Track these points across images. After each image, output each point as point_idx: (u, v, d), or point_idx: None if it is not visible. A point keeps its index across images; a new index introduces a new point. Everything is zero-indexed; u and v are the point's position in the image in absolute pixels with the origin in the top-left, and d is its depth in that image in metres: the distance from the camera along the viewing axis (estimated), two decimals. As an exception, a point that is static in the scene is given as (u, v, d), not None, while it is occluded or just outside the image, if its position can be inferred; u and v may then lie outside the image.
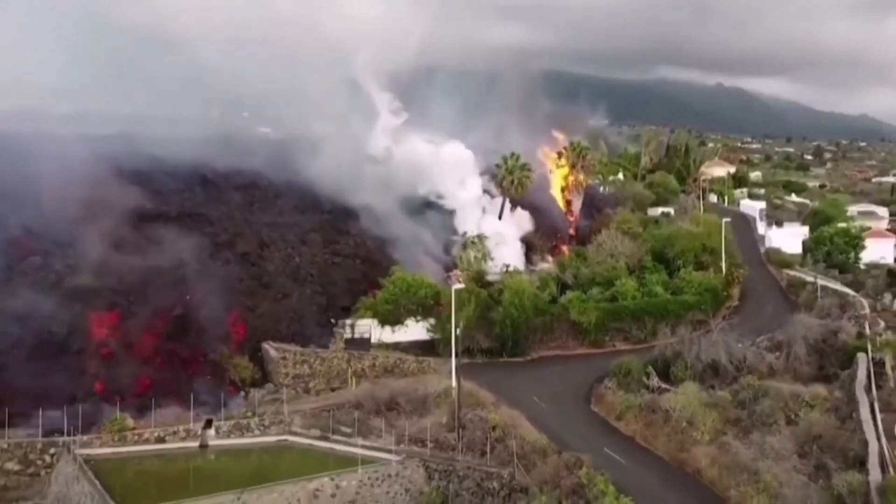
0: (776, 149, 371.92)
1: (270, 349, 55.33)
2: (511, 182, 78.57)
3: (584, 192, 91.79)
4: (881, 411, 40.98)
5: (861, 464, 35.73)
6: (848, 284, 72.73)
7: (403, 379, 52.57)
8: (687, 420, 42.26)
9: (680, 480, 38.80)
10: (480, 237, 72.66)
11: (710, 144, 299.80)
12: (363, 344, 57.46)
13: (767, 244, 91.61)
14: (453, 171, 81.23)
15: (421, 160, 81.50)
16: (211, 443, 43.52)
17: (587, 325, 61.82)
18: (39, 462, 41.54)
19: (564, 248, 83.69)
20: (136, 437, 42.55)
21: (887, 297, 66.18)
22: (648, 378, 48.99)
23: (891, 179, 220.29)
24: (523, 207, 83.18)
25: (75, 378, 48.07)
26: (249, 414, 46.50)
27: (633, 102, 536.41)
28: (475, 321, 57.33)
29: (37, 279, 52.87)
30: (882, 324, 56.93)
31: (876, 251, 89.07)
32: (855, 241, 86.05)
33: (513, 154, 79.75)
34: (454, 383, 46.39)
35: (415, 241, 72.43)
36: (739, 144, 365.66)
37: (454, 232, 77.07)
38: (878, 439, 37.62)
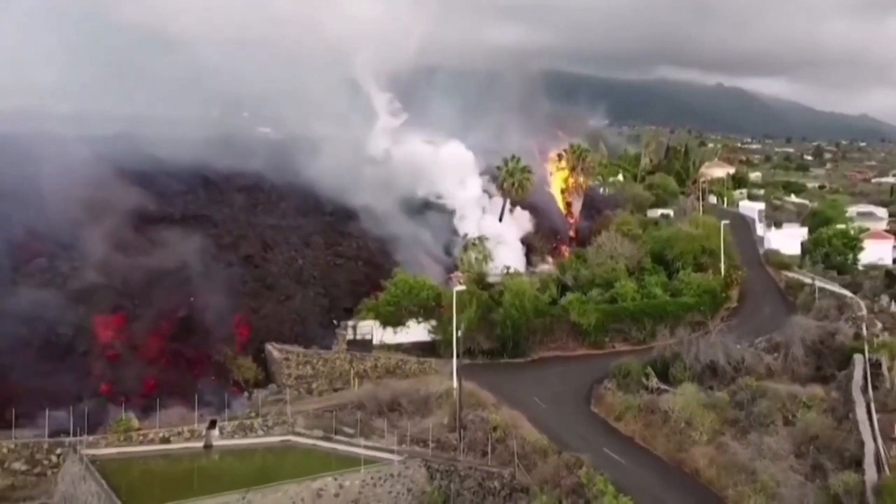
0: (776, 149, 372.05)
1: (274, 350, 55.74)
2: (512, 184, 78.91)
3: (583, 194, 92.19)
4: (877, 412, 41.27)
5: (857, 464, 35.98)
6: (846, 286, 72.93)
7: (405, 380, 52.81)
8: (685, 420, 42.51)
9: (678, 480, 39.02)
10: (481, 239, 72.96)
11: (710, 145, 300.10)
12: (365, 345, 57.74)
13: (766, 245, 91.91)
14: (453, 171, 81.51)
15: (421, 160, 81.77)
16: (215, 443, 43.74)
17: (587, 326, 62.19)
18: (46, 462, 41.80)
19: (564, 250, 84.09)
20: (141, 438, 42.80)
21: (884, 298, 66.48)
22: (647, 379, 49.27)
23: (890, 180, 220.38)
24: (523, 207, 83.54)
25: (81, 379, 48.47)
26: (253, 414, 46.82)
27: (633, 102, 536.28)
28: (476, 322, 57.70)
29: (42, 281, 53.34)
30: (879, 325, 57.16)
31: (874, 252, 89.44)
32: (853, 243, 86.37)
33: (513, 156, 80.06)
34: (455, 384, 46.56)
35: (415, 241, 72.75)
36: (739, 145, 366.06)
37: (454, 232, 77.40)
38: (875, 439, 37.90)
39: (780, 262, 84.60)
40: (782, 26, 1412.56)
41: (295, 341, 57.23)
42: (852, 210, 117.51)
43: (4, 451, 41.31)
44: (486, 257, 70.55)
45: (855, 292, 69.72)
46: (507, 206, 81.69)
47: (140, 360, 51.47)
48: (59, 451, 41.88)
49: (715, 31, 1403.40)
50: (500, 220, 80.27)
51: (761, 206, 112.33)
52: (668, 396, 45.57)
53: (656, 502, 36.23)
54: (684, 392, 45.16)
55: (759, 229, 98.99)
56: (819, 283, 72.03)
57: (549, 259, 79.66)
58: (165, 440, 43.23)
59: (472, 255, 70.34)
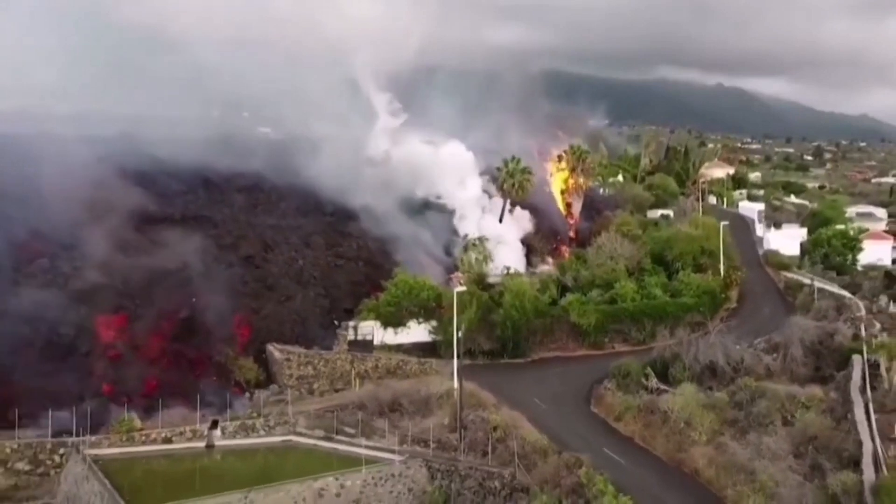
0: (776, 149, 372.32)
1: (275, 351, 55.90)
2: (512, 185, 79.10)
3: (583, 195, 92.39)
4: (875, 412, 41.44)
5: (855, 464, 36.15)
6: (845, 286, 73.14)
7: (406, 380, 52.99)
8: (685, 421, 42.73)
9: (678, 480, 39.23)
10: (481, 239, 73.14)
11: (710, 145, 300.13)
12: (366, 346, 57.91)
13: (766, 246, 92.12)
14: (453, 171, 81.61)
15: (421, 160, 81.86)
16: (217, 443, 43.92)
17: (587, 326, 62.43)
18: (49, 462, 41.96)
19: (564, 251, 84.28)
20: (143, 438, 42.96)
21: (883, 299, 66.73)
22: (647, 379, 49.49)
23: (890, 180, 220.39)
24: (523, 207, 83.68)
25: (83, 379, 48.54)
26: (255, 414, 46.96)
27: (633, 102, 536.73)
28: (476, 323, 57.89)
29: (44, 281, 53.41)
30: (878, 326, 57.39)
31: (873, 253, 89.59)
32: (852, 244, 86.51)
33: (513, 157, 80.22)
34: (456, 385, 46.79)
35: (415, 241, 72.90)
36: (739, 145, 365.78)
37: (454, 232, 77.52)
38: (873, 440, 38.04)
39: (779, 262, 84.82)
40: (782, 26, 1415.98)
41: (296, 342, 57.40)
42: (852, 210, 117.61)
43: (8, 451, 41.47)
44: (487, 258, 70.74)
45: (854, 293, 69.95)
46: (507, 206, 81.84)
47: (142, 361, 51.54)
48: (61, 451, 42.05)
49: (715, 31, 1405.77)
50: (501, 220, 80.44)
51: (761, 206, 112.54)
52: (668, 397, 45.78)
53: (656, 502, 36.41)
54: (684, 392, 45.34)
55: (759, 230, 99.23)
56: (818, 284, 72.26)
57: (549, 260, 79.89)
58: (167, 440, 43.40)
59: (473, 255, 70.55)
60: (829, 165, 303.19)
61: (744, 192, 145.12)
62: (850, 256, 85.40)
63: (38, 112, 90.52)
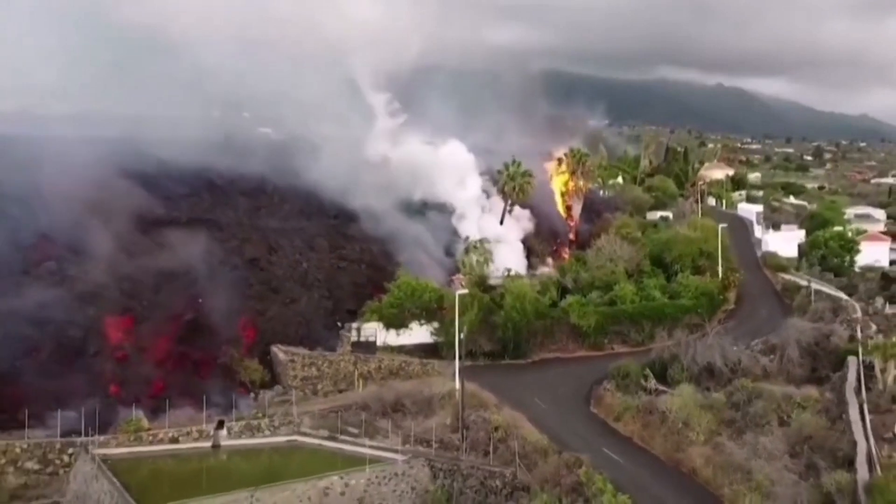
0: (776, 149, 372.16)
1: (279, 352, 56.34)
2: (513, 188, 79.44)
3: (583, 197, 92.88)
4: (870, 412, 42.12)
5: (850, 463, 36.81)
6: (842, 288, 73.72)
7: (409, 381, 53.40)
8: (683, 421, 43.36)
9: (676, 479, 39.78)
10: (482, 241, 73.51)
11: (710, 145, 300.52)
12: (369, 347, 58.33)
13: (764, 248, 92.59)
14: (453, 170, 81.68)
15: (421, 161, 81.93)
16: (223, 443, 44.41)
17: (587, 328, 63.03)
18: (58, 461, 42.41)
19: (564, 253, 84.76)
20: (150, 438, 43.49)
21: (879, 300, 67.30)
22: (646, 380, 50.11)
23: (889, 181, 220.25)
24: (523, 207, 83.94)
25: (91, 380, 48.82)
26: (260, 415, 47.37)
27: (633, 102, 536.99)
28: (478, 325, 58.58)
29: (52, 284, 53.43)
30: (873, 327, 58.02)
31: (871, 254, 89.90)
32: (850, 245, 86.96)
33: (514, 160, 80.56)
34: (458, 385, 47.24)
35: (416, 242, 73.16)
36: (739, 145, 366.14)
37: (455, 233, 77.80)
38: (867, 439, 38.75)
39: (777, 264, 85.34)
40: (782, 26, 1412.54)
41: (300, 343, 57.81)
42: (850, 212, 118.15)
43: (18, 450, 41.94)
44: (488, 260, 71.08)
45: (850, 295, 70.54)
46: (508, 208, 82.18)
47: (149, 362, 51.96)
48: (70, 450, 42.47)
49: (715, 31, 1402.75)
50: (502, 223, 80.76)
51: (759, 208, 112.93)
52: (666, 397, 46.38)
53: (654, 501, 36.93)
54: (682, 393, 45.96)
55: (757, 231, 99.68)
56: (815, 286, 72.78)
57: (550, 262, 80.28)
58: (174, 440, 43.92)
59: (474, 257, 70.88)
60: (828, 166, 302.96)
61: (743, 193, 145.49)
62: (847, 258, 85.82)
63: (39, 112, 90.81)
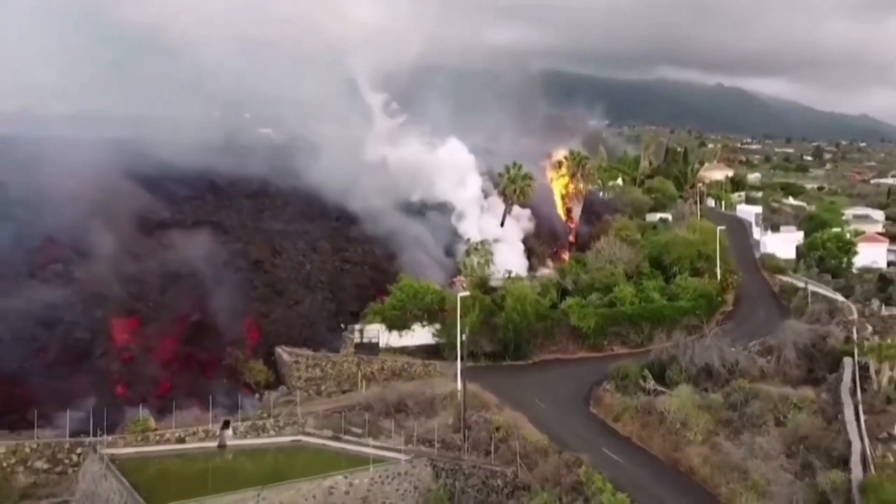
0: (776, 149, 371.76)
1: (284, 353, 56.92)
2: (513, 191, 79.76)
3: (583, 200, 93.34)
4: (865, 413, 42.61)
5: (844, 463, 37.29)
6: (839, 289, 74.05)
7: (411, 382, 53.90)
8: (681, 421, 43.72)
9: (673, 478, 40.17)
10: (483, 243, 73.96)
11: (710, 145, 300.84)
12: (372, 348, 58.73)
13: (762, 249, 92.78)
14: (453, 170, 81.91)
15: (420, 161, 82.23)
16: (229, 443, 44.99)
17: (586, 329, 63.45)
18: (67, 461, 43.08)
19: (564, 255, 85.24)
20: (157, 438, 44.06)
21: (875, 302, 67.82)
22: (645, 381, 50.50)
23: (889, 181, 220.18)
24: (523, 207, 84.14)
25: (98, 381, 49.46)
26: (265, 415, 47.89)
27: (633, 102, 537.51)
28: (479, 326, 59.08)
29: (59, 285, 53.96)
30: (869, 328, 58.42)
31: (869, 256, 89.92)
32: (847, 247, 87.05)
33: (515, 163, 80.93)
34: (459, 386, 47.55)
35: (417, 243, 73.57)
36: (739, 145, 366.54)
37: (455, 233, 78.13)
38: (861, 439, 39.24)
39: (775, 266, 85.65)
40: (782, 26, 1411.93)
41: (304, 345, 58.38)
42: (849, 213, 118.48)
43: (27, 450, 42.64)
44: (489, 261, 71.40)
45: (847, 296, 70.85)
46: (508, 209, 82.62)
47: (155, 363, 52.56)
48: (79, 450, 43.17)
49: (715, 31, 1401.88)
50: (502, 225, 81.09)
51: (758, 209, 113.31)
52: (665, 398, 46.79)
53: (652, 500, 37.32)
54: (680, 394, 46.39)
55: (756, 233, 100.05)
56: (812, 288, 73.14)
57: (550, 263, 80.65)
58: (181, 440, 44.49)
59: (475, 259, 71.23)
60: (828, 166, 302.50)
61: (742, 194, 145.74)
62: (845, 260, 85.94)
63: (39, 112, 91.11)
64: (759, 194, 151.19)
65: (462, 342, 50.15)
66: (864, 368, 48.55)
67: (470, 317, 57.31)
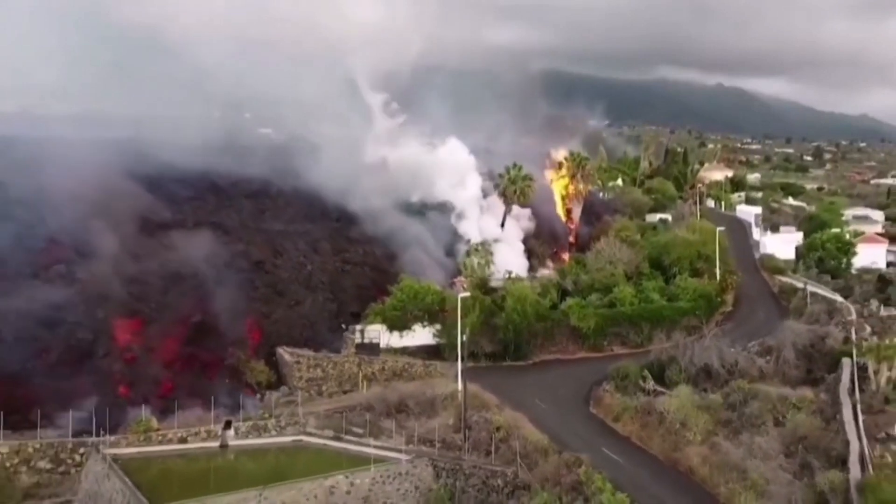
0: (776, 150, 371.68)
1: (285, 354, 57.13)
2: (514, 192, 79.91)
3: (583, 201, 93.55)
4: (863, 413, 42.76)
5: (843, 463, 37.49)
6: (838, 290, 74.21)
7: (412, 382, 54.12)
8: (680, 421, 43.94)
9: (673, 478, 40.37)
10: (484, 244, 74.24)
11: (710, 145, 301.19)
12: (373, 349, 58.94)
13: (762, 250, 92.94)
14: (453, 170, 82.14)
15: (420, 161, 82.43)
16: (231, 443, 45.17)
17: (586, 330, 63.71)
18: (70, 461, 43.21)
19: (564, 256, 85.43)
20: (160, 438, 44.21)
21: (874, 302, 67.99)
22: (644, 381, 50.71)
23: (889, 181, 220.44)
24: (523, 207, 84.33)
25: (101, 381, 49.62)
26: (266, 415, 48.07)
27: (633, 102, 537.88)
28: (479, 327, 59.33)
29: (62, 286, 54.13)
30: (868, 329, 58.57)
31: (868, 256, 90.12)
32: (847, 247, 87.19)
33: (515, 164, 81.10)
34: (460, 386, 47.75)
35: (417, 243, 73.81)
36: (739, 145, 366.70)
37: (455, 233, 78.33)
38: (860, 439, 39.40)
39: (774, 266, 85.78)
40: (782, 26, 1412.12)
41: (305, 345, 58.62)
42: (848, 213, 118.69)
43: (30, 450, 42.79)
44: (489, 262, 71.68)
45: (846, 297, 71.01)
46: (508, 210, 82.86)
47: (157, 363, 52.74)
48: (81, 450, 43.25)
49: (715, 31, 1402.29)
50: (502, 226, 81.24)
51: (758, 210, 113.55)
52: (664, 398, 47.00)
53: (652, 499, 37.51)
54: (679, 394, 46.58)
55: (756, 234, 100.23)
56: (811, 288, 73.30)
57: (550, 264, 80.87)
58: (183, 440, 44.65)
59: (475, 260, 71.50)
60: (828, 166, 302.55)
61: (742, 194, 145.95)
62: (844, 260, 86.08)
63: (39, 113, 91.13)
64: (759, 195, 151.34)
65: (462, 343, 50.41)
66: (862, 369, 48.70)
67: (470, 317, 57.51)
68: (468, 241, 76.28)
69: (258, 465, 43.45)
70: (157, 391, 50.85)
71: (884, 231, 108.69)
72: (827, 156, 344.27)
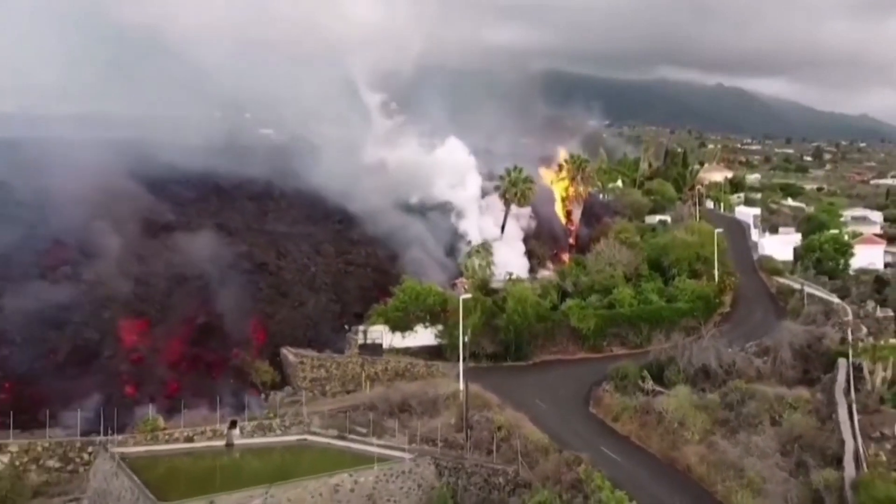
0: (776, 150, 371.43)
1: (289, 354, 57.60)
2: (514, 194, 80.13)
3: (583, 202, 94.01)
4: (858, 413, 43.25)
5: (838, 461, 38.04)
6: (836, 291, 74.58)
7: (414, 382, 54.42)
8: (678, 421, 44.46)
9: (671, 477, 40.93)
10: (485, 245, 74.70)
11: (710, 145, 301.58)
12: (376, 349, 59.36)
13: (760, 251, 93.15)
14: (453, 170, 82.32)
15: (421, 161, 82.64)
16: (236, 442, 45.71)
17: (586, 330, 64.16)
18: (78, 460, 43.85)
19: (564, 257, 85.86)
20: (166, 437, 44.71)
21: (870, 304, 68.44)
22: (643, 381, 51.14)
23: (889, 182, 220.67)
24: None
25: (107, 381, 50.23)
26: (271, 415, 48.56)
27: (633, 103, 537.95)
28: (480, 327, 59.79)
29: (68, 287, 54.51)
30: (864, 330, 58.91)
31: (866, 257, 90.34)
32: (844, 248, 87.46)
33: (515, 166, 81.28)
34: (461, 386, 47.92)
35: (418, 243, 74.11)
36: (739, 145, 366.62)
37: (455, 233, 78.66)
38: (855, 439, 39.98)
39: (772, 267, 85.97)
40: (782, 26, 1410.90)
41: (309, 345, 59.10)
42: (847, 214, 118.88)
43: (39, 449, 43.41)
44: (490, 263, 72.04)
45: (843, 298, 71.29)
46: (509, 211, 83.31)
47: (163, 363, 53.29)
48: (90, 449, 43.90)
49: (715, 31, 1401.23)
50: (503, 230, 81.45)
51: (757, 211, 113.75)
52: (663, 398, 47.46)
53: (650, 497, 37.98)
54: (678, 394, 47.04)
55: (754, 235, 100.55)
56: (808, 289, 73.60)
57: (550, 266, 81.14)
58: (189, 439, 45.18)
59: (476, 261, 71.86)
60: (828, 166, 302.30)
61: (741, 195, 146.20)
62: (841, 261, 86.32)
63: (39, 113, 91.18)
64: (759, 196, 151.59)
65: (464, 343, 50.77)
66: (858, 369, 49.03)
67: (471, 318, 57.84)
68: (469, 241, 76.59)
69: (263, 464, 43.91)
70: (164, 391, 51.40)
71: (882, 232, 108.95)
72: (827, 156, 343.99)
